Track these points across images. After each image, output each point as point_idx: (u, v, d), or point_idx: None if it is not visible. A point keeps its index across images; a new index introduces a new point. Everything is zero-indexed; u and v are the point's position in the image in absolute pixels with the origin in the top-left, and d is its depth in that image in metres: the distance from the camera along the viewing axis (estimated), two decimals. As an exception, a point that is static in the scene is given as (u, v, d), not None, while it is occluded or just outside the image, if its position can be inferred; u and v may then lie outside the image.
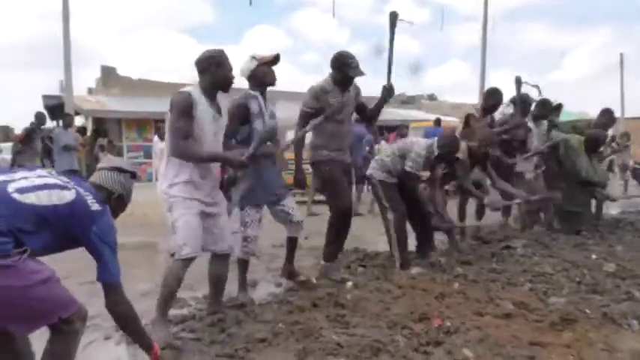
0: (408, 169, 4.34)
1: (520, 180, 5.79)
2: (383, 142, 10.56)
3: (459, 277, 3.90)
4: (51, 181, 2.03)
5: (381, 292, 3.52)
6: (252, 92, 3.47)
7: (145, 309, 3.32)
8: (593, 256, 4.56)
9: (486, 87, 8.15)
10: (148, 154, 14.56)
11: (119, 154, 15.37)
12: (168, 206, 2.89)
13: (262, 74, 3.46)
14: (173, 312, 3.28)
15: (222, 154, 3.04)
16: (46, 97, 18.04)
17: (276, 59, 3.49)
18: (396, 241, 4.29)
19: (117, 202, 2.28)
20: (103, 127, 16.82)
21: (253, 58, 3.45)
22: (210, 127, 2.93)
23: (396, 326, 2.88)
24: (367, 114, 4.30)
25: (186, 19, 68.45)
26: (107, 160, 2.47)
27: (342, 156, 4.08)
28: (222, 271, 3.17)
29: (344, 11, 67.84)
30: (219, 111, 3.00)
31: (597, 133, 6.17)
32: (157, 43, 62.97)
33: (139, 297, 3.75)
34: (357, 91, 4.12)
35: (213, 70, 2.92)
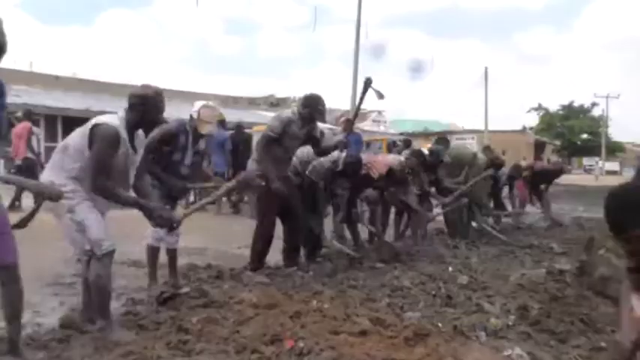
0: (307, 173, 4.83)
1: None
2: None
3: (317, 295, 3.75)
4: None
5: (232, 311, 3.24)
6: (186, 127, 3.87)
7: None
8: (450, 269, 4.72)
9: (358, 91, 8.43)
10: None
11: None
12: (68, 206, 2.77)
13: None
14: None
15: (145, 204, 2.99)
16: None
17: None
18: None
19: None
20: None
21: (197, 114, 3.87)
22: (123, 164, 2.91)
23: (245, 350, 2.66)
24: (319, 148, 4.70)
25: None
26: None
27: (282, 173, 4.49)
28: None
29: (214, 3, 66.26)
30: (134, 147, 2.98)
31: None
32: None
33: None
34: (314, 126, 4.56)
35: (144, 109, 2.93)
